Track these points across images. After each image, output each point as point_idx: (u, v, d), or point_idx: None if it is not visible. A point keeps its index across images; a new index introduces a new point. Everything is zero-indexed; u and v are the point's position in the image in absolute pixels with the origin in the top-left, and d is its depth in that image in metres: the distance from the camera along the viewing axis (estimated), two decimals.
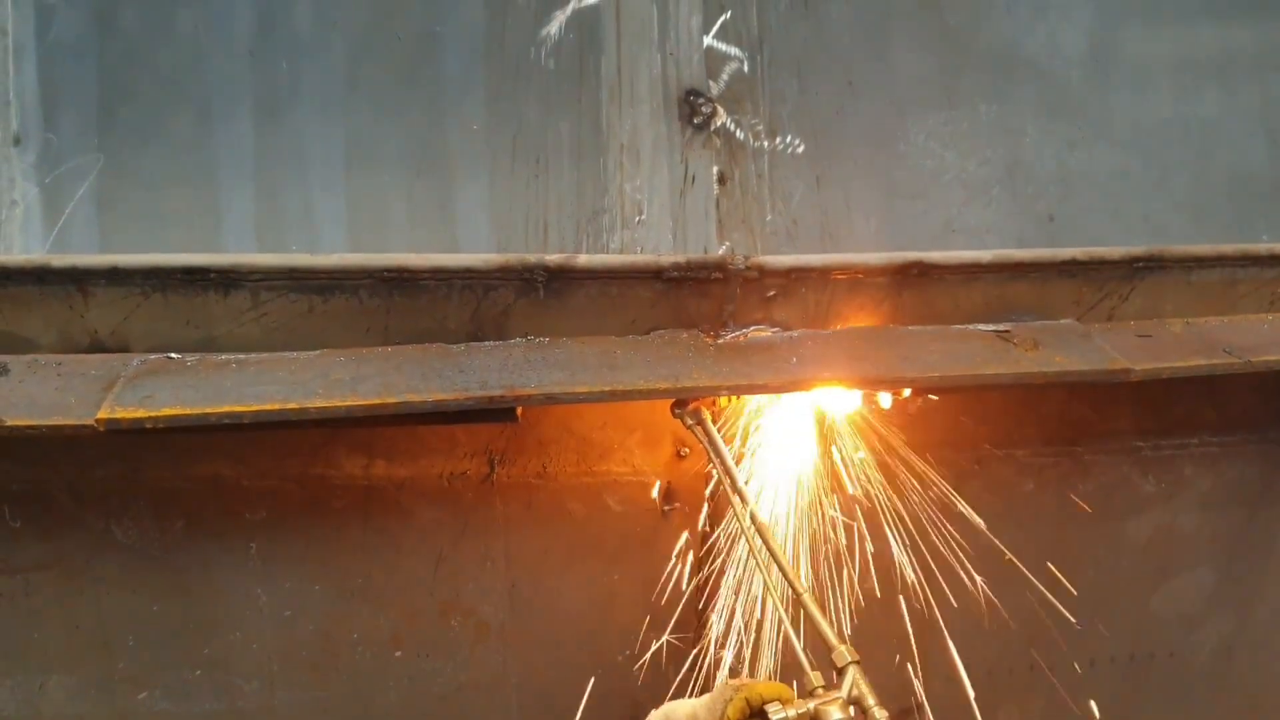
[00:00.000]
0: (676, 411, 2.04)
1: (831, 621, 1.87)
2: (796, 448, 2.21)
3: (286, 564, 2.23)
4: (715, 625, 2.28)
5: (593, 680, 2.30)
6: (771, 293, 2.01)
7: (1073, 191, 2.50)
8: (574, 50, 2.34)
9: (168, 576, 2.20)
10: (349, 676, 2.34)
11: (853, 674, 1.75)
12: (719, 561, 2.27)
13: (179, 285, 1.84)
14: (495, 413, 1.85)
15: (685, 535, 2.33)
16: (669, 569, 2.33)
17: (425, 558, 2.29)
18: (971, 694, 2.20)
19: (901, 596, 2.28)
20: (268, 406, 1.74)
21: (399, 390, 1.78)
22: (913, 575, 2.25)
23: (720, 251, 2.28)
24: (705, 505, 2.31)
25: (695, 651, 2.36)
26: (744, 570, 2.22)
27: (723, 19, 2.35)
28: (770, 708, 1.69)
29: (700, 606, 2.37)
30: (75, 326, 1.87)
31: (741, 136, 2.35)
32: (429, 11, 2.34)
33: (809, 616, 1.84)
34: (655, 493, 2.30)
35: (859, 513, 2.22)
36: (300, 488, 2.18)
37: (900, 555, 2.24)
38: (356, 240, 2.31)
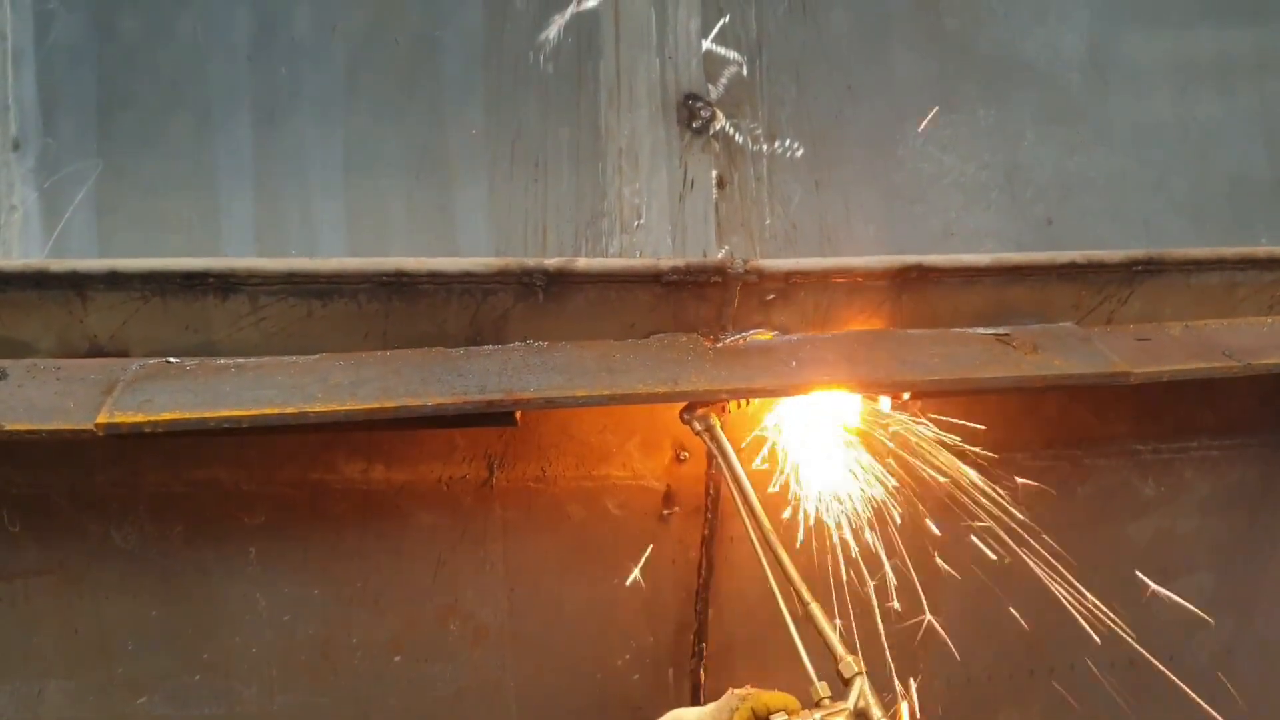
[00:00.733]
0: (685, 417, 2.03)
1: (839, 632, 1.86)
2: (804, 453, 2.20)
3: (285, 568, 2.22)
4: (717, 631, 2.28)
5: (593, 685, 2.30)
6: (770, 296, 2.01)
7: (1071, 195, 2.50)
8: (573, 54, 2.34)
9: (167, 581, 2.19)
10: (348, 681, 2.33)
11: (860, 685, 1.74)
12: (719, 565, 2.27)
13: (178, 290, 1.84)
14: (494, 417, 1.85)
15: (685, 538, 2.32)
16: (669, 572, 2.32)
17: (424, 562, 2.28)
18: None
19: (901, 597, 2.28)
20: (267, 411, 1.73)
21: (398, 394, 1.78)
22: (912, 576, 2.24)
23: (719, 255, 2.28)
24: (706, 509, 2.30)
25: (697, 657, 2.36)
26: (747, 576, 2.22)
27: (721, 23, 2.36)
28: (776, 718, 1.68)
29: (701, 610, 2.37)
30: (74, 331, 1.87)
31: (740, 140, 2.36)
32: (428, 16, 2.35)
33: (816, 627, 1.84)
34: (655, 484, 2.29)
35: (862, 517, 2.21)
36: (299, 492, 2.18)
37: (901, 556, 2.23)
38: (355, 245, 2.31)
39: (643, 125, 2.31)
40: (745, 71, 2.37)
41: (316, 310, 1.88)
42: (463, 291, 1.90)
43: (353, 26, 2.33)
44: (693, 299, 1.98)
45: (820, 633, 1.83)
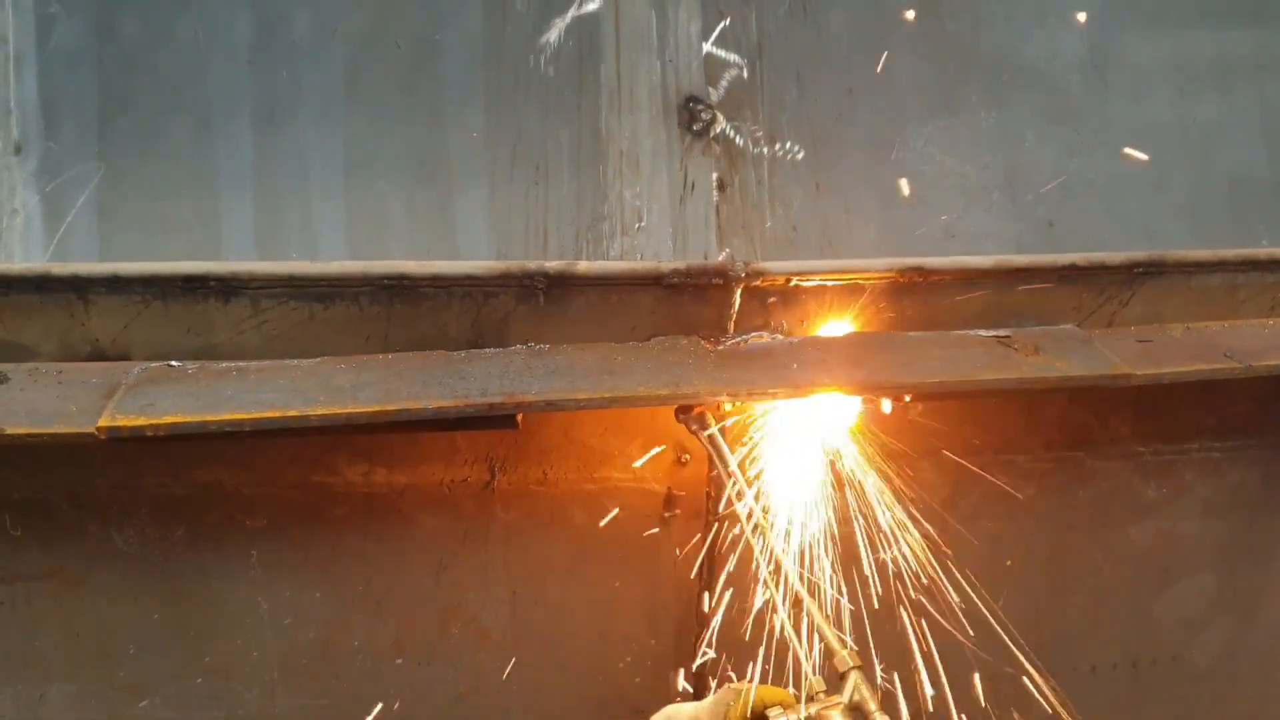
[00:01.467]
0: (681, 417, 2.03)
1: (834, 627, 1.87)
2: (805, 456, 2.20)
3: (287, 571, 2.23)
4: (717, 630, 2.27)
5: (594, 687, 2.30)
6: (771, 299, 2.01)
7: (1072, 197, 2.50)
8: (573, 57, 2.34)
9: (168, 584, 2.19)
10: (350, 684, 2.33)
11: (854, 679, 1.75)
12: (720, 566, 2.26)
13: (179, 293, 1.84)
14: (496, 420, 1.85)
15: (686, 540, 2.32)
16: (670, 574, 2.32)
17: (426, 565, 2.28)
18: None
19: (901, 599, 2.28)
20: (268, 414, 1.73)
21: (399, 397, 1.78)
22: (912, 578, 2.24)
23: (720, 258, 2.27)
24: (706, 511, 2.30)
25: (697, 656, 2.35)
26: (746, 575, 2.22)
27: (722, 25, 2.36)
28: (772, 712, 1.69)
29: (702, 611, 2.36)
30: (76, 334, 1.87)
31: (741, 143, 2.36)
32: (428, 19, 2.35)
33: (812, 622, 1.84)
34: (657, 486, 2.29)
35: (861, 518, 2.21)
36: (301, 495, 2.18)
37: (900, 558, 2.23)
38: (356, 248, 2.31)
39: (643, 128, 2.31)
40: (746, 74, 2.37)
41: (318, 313, 1.88)
42: (464, 294, 1.90)
43: (353, 29, 2.34)
44: (694, 302, 1.99)
45: (816, 629, 1.83)
